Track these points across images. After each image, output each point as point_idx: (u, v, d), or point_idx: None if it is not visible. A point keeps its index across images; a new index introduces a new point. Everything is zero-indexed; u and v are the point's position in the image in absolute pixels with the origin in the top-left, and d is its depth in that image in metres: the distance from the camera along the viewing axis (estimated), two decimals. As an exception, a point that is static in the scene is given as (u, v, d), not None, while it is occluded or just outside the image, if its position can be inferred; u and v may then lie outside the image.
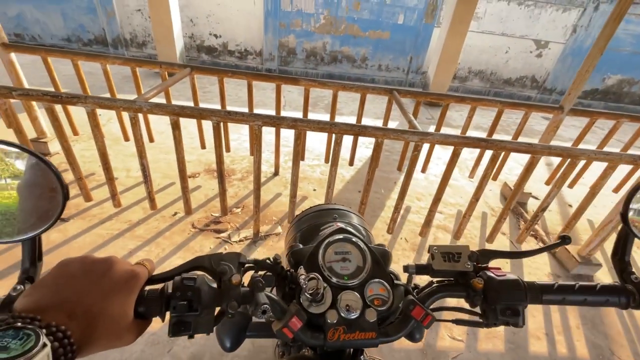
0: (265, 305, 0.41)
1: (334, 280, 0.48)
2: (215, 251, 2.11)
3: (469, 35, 6.66)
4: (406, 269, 0.52)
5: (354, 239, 0.54)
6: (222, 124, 1.89)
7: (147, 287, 0.41)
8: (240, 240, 2.15)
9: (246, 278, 0.46)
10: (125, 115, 1.93)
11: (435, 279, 0.52)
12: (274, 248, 2.13)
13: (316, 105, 4.97)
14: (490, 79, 7.42)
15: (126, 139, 2.73)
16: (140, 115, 2.32)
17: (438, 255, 0.51)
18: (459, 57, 6.72)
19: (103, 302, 0.34)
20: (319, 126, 1.67)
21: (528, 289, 0.47)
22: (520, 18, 6.75)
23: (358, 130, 1.70)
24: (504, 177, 3.15)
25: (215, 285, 0.42)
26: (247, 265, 0.48)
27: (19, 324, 0.27)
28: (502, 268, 0.51)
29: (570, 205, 3.01)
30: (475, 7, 4.66)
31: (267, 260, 0.50)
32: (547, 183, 2.94)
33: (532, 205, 2.87)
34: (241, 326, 0.55)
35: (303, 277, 0.45)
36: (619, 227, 0.51)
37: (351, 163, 2.87)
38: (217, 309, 0.42)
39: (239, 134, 3.49)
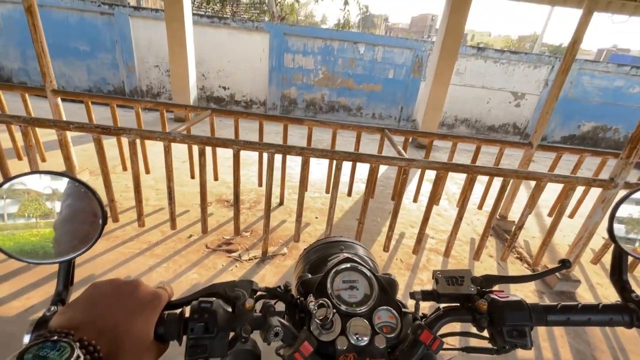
0: (277, 328, 0.42)
1: (343, 307, 0.49)
2: (227, 269, 2.31)
3: (454, 88, 7.44)
4: (412, 295, 0.53)
5: (360, 268, 0.55)
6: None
7: (167, 312, 0.42)
8: (249, 259, 2.35)
9: (258, 306, 0.47)
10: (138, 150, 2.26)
11: (441, 305, 0.52)
12: (281, 266, 2.33)
13: (316, 146, 5.40)
14: (475, 126, 8.07)
15: (147, 171, 3.04)
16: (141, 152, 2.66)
17: (442, 279, 0.52)
18: (444, 106, 7.41)
19: (129, 320, 0.36)
20: (322, 153, 2.00)
21: (532, 310, 0.47)
22: (497, 73, 7.59)
23: (355, 157, 2.03)
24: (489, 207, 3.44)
25: (230, 309, 0.44)
26: (259, 292, 0.49)
27: (56, 337, 0.30)
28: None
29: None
30: (454, 63, 5.34)
31: (278, 288, 0.51)
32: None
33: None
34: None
35: (312, 303, 0.46)
36: (612, 247, 0.52)
37: (349, 194, 3.17)
38: (232, 334, 0.43)
39: (247, 169, 3.82)
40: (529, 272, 2.33)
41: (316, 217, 3.01)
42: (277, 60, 7.25)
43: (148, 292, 0.40)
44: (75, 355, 0.28)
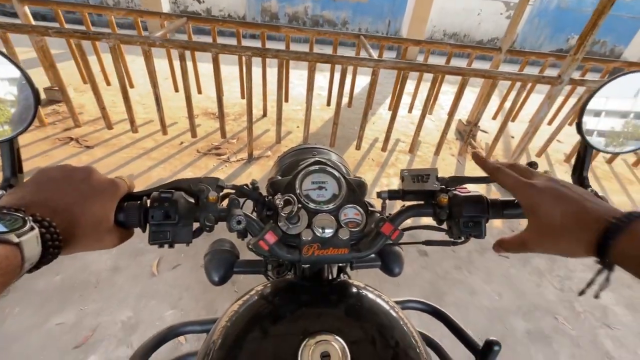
0: (240, 217, 0.44)
1: (311, 205, 0.51)
2: (218, 168, 2.61)
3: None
4: (379, 195, 0.54)
5: (329, 169, 0.56)
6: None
7: (127, 202, 0.44)
8: (237, 160, 2.64)
9: (225, 202, 0.49)
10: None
11: (406, 203, 0.54)
12: (266, 165, 2.63)
13: (297, 65, 5.34)
14: (463, 40, 7.84)
15: (131, 85, 3.11)
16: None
17: (408, 177, 0.52)
18: (433, 19, 7.11)
19: (84, 203, 0.36)
20: (297, 55, 2.13)
21: (490, 204, 0.49)
22: (490, -20, 7.10)
23: (328, 58, 2.17)
24: (459, 116, 3.70)
25: (192, 201, 0.46)
26: (225, 189, 0.49)
27: (5, 211, 0.28)
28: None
29: (513, 137, 3.60)
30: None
31: (245, 186, 0.51)
32: (494, 118, 3.50)
33: (482, 137, 3.44)
34: (229, 262, 0.59)
35: (279, 199, 0.48)
36: (577, 144, 0.49)
37: (328, 104, 3.35)
38: (196, 224, 0.45)
39: (229, 85, 3.89)
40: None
41: (297, 127, 3.24)
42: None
43: (103, 180, 0.40)
44: (28, 226, 0.28)
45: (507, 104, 2.84)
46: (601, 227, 0.33)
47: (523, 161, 2.80)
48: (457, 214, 0.48)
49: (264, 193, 0.55)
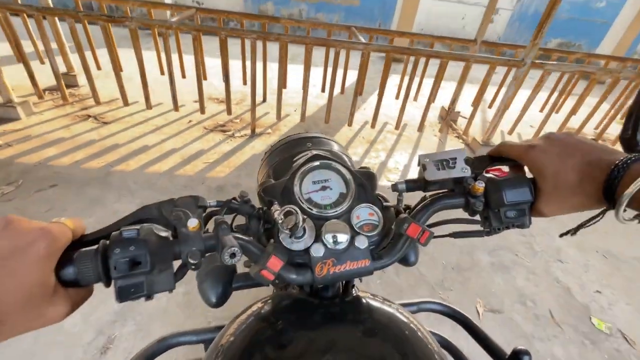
0: (233, 248, 0.34)
1: (315, 211, 0.44)
2: (224, 142, 2.89)
3: (431, 3, 7.49)
4: (395, 187, 0.47)
5: (332, 164, 0.48)
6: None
7: (77, 251, 0.33)
8: (241, 136, 2.93)
9: (211, 225, 0.39)
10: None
11: (428, 194, 0.47)
12: (268, 140, 2.92)
13: (295, 59, 5.69)
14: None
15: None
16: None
17: (430, 164, 0.44)
18: (420, 22, 7.56)
19: None
20: (296, 38, 2.45)
21: (534, 184, 0.41)
22: (474, -14, 7.60)
23: (324, 42, 2.49)
24: (440, 104, 4.06)
25: (167, 234, 0.36)
26: (209, 209, 0.41)
27: None
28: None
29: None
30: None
31: (233, 200, 0.43)
32: (473, 105, 3.86)
33: (462, 122, 3.79)
34: (225, 279, 0.49)
35: (277, 212, 0.39)
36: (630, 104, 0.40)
37: (323, 89, 3.67)
38: (177, 262, 0.35)
39: (231, 75, 4.19)
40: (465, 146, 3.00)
41: (295, 110, 3.55)
42: (252, -30, 6.96)
43: (28, 230, 0.29)
44: None
45: (487, 97, 3.19)
46: (604, 175, 0.33)
47: (497, 139, 3.19)
48: (496, 203, 0.41)
49: (255, 201, 0.48)
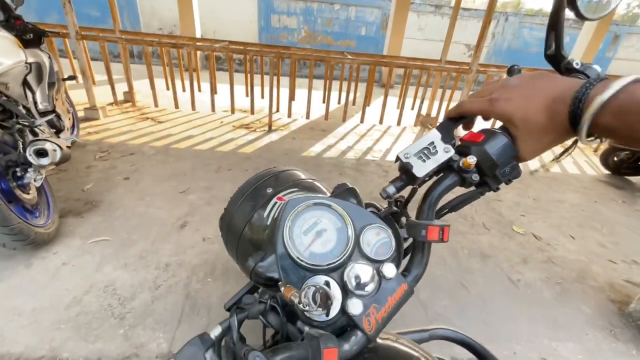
0: None
1: (326, 265, 0.38)
2: (248, 134, 3.76)
3: (416, 42, 8.79)
4: (385, 193, 0.44)
5: (314, 202, 0.42)
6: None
7: None
8: (261, 130, 3.83)
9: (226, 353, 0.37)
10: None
11: (417, 184, 0.45)
12: (281, 133, 3.80)
13: (300, 86, 6.81)
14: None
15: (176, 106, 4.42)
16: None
17: (413, 159, 0.42)
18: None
19: None
20: (302, 55, 3.43)
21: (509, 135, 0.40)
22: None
23: (323, 57, 3.46)
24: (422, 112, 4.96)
25: None
26: (217, 340, 0.37)
27: None
28: None
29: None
30: (407, 16, 6.69)
31: (238, 309, 0.41)
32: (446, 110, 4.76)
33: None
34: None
35: (295, 296, 0.34)
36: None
37: (324, 101, 4.63)
38: None
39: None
40: None
41: (301, 116, 4.48)
42: (265, 20, 8.43)
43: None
44: None
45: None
46: (567, 108, 0.34)
47: (461, 133, 4.05)
48: (490, 169, 0.40)
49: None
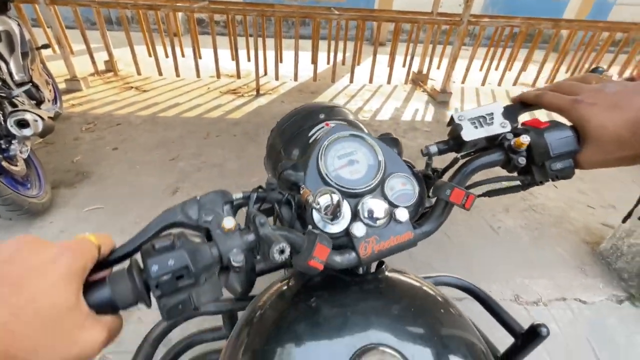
0: (282, 244, 0.32)
1: (346, 188, 0.40)
2: (235, 99, 3.70)
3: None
4: (427, 151, 0.44)
5: (356, 135, 0.44)
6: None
7: (112, 271, 0.31)
8: (249, 95, 3.76)
9: (240, 219, 0.36)
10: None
11: (460, 154, 0.45)
12: (270, 98, 3.74)
13: (288, 47, 6.55)
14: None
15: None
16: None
17: (466, 122, 0.41)
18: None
19: (13, 296, 0.22)
20: (288, 13, 3.27)
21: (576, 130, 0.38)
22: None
23: (308, 13, 3.31)
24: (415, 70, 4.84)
25: (201, 239, 0.33)
26: (235, 202, 0.38)
27: None
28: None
29: (454, 81, 4.72)
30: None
31: (260, 189, 0.41)
32: (438, 68, 4.65)
33: (432, 84, 4.57)
34: (249, 267, 0.42)
35: (311, 196, 0.36)
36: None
37: (312, 61, 4.49)
38: (218, 267, 0.33)
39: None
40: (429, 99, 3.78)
41: (290, 79, 4.36)
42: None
43: (47, 250, 0.25)
44: None
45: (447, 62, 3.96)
46: None
47: (452, 87, 3.98)
48: (541, 156, 0.38)
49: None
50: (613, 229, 1.76)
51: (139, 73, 3.78)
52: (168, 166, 2.36)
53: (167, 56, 4.10)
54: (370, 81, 3.79)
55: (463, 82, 4.12)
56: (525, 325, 0.50)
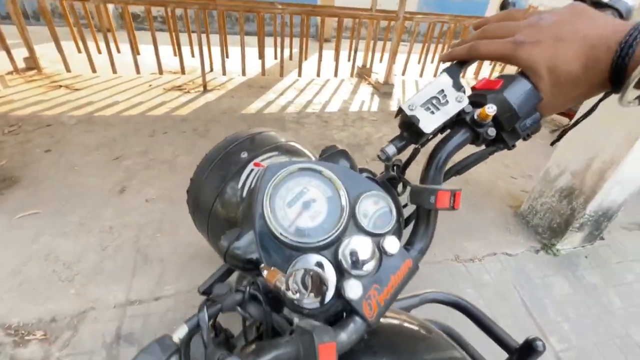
0: None
1: (316, 242, 0.32)
2: (181, 96, 3.57)
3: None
4: (384, 155, 0.37)
5: (299, 167, 0.35)
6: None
7: None
8: (195, 91, 3.65)
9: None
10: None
11: (419, 144, 0.38)
12: (219, 93, 3.67)
13: (233, 42, 6.43)
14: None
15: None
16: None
17: (420, 111, 0.34)
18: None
19: None
20: (230, 6, 3.24)
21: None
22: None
23: (251, 7, 3.31)
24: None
25: None
26: (182, 343, 0.29)
27: None
28: None
29: (395, 75, 5.05)
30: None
31: (208, 302, 0.31)
32: (380, 62, 4.93)
33: (375, 77, 4.83)
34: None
35: (282, 282, 0.28)
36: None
37: (260, 57, 4.49)
38: None
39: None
40: (373, 89, 3.96)
41: (238, 75, 4.32)
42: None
43: None
44: None
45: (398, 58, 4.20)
46: (610, 57, 0.28)
47: (394, 79, 4.31)
48: (509, 121, 0.33)
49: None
50: (528, 193, 2.07)
51: (68, 70, 3.47)
52: (112, 165, 2.24)
53: (99, 52, 3.82)
54: (318, 75, 3.90)
55: (403, 75, 4.43)
56: (520, 340, 0.46)
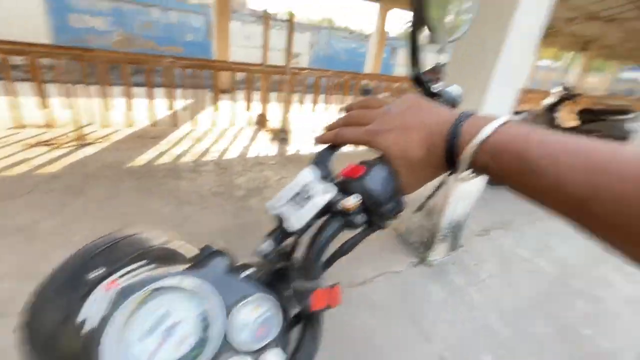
0: None
1: None
2: (50, 153, 3.09)
3: (245, 49, 9.20)
4: (261, 253, 0.36)
5: (155, 288, 0.29)
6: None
7: None
8: (69, 145, 3.24)
9: None
10: None
11: (293, 236, 0.37)
12: (101, 146, 3.33)
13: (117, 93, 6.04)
14: (271, 80, 10.31)
15: None
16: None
17: (286, 208, 0.35)
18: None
19: None
20: (113, 57, 3.11)
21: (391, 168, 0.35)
22: (277, 37, 9.87)
23: (136, 58, 3.24)
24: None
25: None
26: None
27: None
28: None
29: (291, 121, 5.45)
30: (228, 25, 6.95)
31: None
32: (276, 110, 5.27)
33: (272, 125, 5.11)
34: None
35: None
36: None
37: (130, 125, 4.31)
38: None
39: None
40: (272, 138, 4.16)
41: (124, 127, 4.03)
42: (60, 19, 7.00)
43: None
44: None
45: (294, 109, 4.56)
46: (443, 143, 0.32)
47: (289, 126, 4.67)
48: (375, 207, 0.34)
49: None
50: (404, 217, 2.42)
51: None
52: (-62, 241, 1.76)
53: None
54: (214, 125, 3.94)
55: (298, 122, 4.82)
56: None
